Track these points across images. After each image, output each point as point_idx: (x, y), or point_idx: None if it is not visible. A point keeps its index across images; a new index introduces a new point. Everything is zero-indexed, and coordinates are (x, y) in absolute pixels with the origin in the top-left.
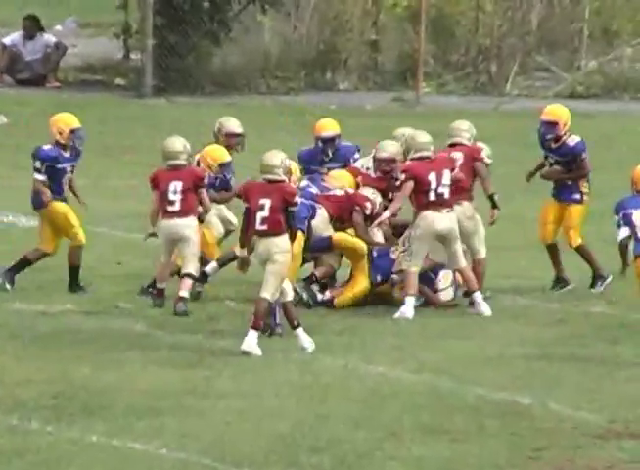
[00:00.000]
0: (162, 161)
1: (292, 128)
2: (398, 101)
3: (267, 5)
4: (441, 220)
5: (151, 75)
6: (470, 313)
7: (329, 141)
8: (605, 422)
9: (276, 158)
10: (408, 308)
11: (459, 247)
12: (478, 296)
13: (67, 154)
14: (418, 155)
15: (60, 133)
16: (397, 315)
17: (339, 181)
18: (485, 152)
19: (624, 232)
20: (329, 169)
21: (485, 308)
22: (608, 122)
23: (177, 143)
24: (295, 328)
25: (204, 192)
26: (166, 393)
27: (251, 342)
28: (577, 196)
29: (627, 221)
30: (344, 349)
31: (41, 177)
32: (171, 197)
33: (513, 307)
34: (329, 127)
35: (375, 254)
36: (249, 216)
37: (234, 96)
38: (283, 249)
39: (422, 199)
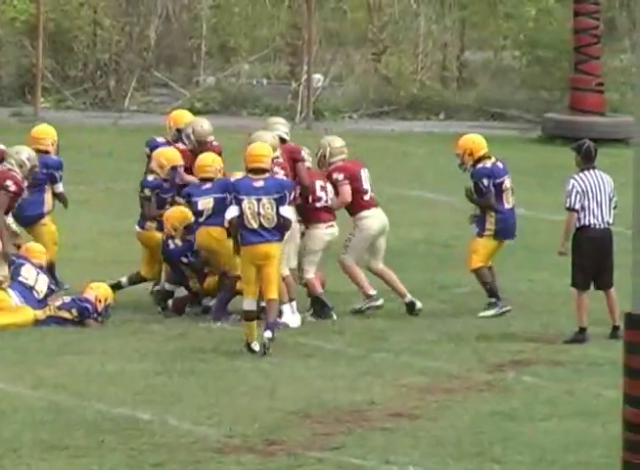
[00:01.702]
0: None
1: None
2: (17, 116)
3: None
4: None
5: None
6: (90, 328)
7: None
8: (224, 437)
9: None
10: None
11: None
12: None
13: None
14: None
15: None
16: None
17: None
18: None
19: (234, 211)
20: None
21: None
22: (224, 138)
23: None
24: None
25: None
26: None
27: None
28: None
29: (238, 202)
30: None
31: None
32: None
33: (132, 321)
34: None
35: None
36: None
37: None
38: None
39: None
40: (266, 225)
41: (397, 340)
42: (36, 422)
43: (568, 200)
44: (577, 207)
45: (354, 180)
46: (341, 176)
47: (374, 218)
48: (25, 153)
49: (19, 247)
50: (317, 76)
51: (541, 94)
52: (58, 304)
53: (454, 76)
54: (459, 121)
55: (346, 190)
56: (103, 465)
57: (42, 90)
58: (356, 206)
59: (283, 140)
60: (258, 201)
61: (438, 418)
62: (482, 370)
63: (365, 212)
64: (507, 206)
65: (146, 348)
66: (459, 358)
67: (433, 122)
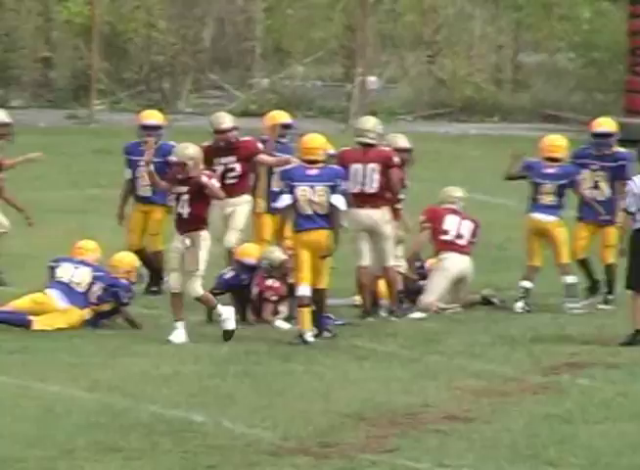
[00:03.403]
0: None
1: None
2: (72, 118)
3: None
4: None
5: None
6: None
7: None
8: (278, 439)
9: None
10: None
11: None
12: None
13: None
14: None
15: None
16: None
17: None
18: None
19: (287, 199)
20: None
21: None
22: None
23: None
24: None
25: None
26: None
27: None
28: None
29: (291, 190)
30: (19, 367)
31: None
32: None
33: (186, 325)
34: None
35: None
36: None
37: None
38: None
39: None
40: (320, 212)
41: (451, 343)
42: (91, 424)
43: (625, 201)
44: (633, 209)
45: None
46: None
47: None
48: None
49: None
50: (371, 79)
51: (596, 96)
52: (95, 300)
53: (509, 78)
54: (513, 124)
55: None
56: (157, 467)
57: (97, 92)
58: None
59: (371, 145)
60: (312, 188)
61: (493, 421)
62: (537, 373)
63: None
64: None
65: (200, 350)
66: (513, 361)
67: (487, 125)
